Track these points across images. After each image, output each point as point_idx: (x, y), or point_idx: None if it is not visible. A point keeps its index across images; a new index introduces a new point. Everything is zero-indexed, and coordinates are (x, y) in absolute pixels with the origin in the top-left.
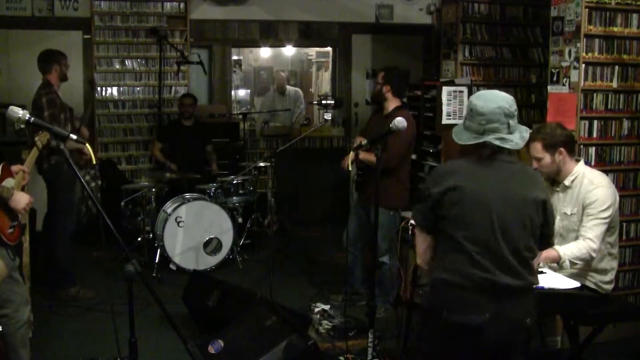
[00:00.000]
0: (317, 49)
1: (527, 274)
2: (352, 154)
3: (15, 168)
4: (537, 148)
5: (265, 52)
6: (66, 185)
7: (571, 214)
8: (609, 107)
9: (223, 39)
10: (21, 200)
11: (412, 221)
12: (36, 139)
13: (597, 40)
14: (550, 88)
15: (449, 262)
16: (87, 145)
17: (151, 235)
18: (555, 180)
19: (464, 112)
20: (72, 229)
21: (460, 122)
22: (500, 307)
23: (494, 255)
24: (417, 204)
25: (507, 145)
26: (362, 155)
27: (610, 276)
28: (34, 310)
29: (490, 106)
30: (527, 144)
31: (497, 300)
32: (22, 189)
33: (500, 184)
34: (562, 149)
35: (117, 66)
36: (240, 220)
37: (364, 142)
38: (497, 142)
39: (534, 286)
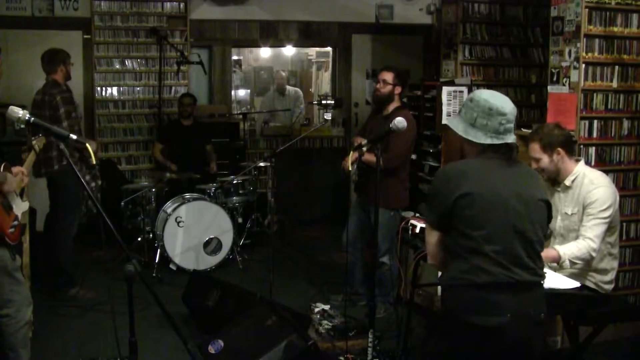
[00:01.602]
0: (317, 49)
1: (538, 270)
2: (352, 155)
3: (15, 170)
4: (535, 149)
5: (265, 52)
6: (75, 186)
7: (572, 213)
8: (609, 107)
9: (223, 39)
10: (13, 181)
11: (412, 221)
12: (34, 142)
13: (597, 40)
14: (550, 88)
15: (469, 263)
16: (88, 145)
17: (151, 235)
18: (555, 180)
19: (474, 110)
20: (75, 230)
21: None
22: (519, 305)
23: (510, 253)
24: (430, 203)
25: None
26: (366, 157)
27: (610, 276)
28: (34, 310)
29: (509, 106)
30: (527, 145)
31: (516, 298)
32: (22, 191)
33: (515, 183)
34: (559, 149)
35: (117, 66)
36: (240, 220)
37: (364, 142)
38: (516, 142)
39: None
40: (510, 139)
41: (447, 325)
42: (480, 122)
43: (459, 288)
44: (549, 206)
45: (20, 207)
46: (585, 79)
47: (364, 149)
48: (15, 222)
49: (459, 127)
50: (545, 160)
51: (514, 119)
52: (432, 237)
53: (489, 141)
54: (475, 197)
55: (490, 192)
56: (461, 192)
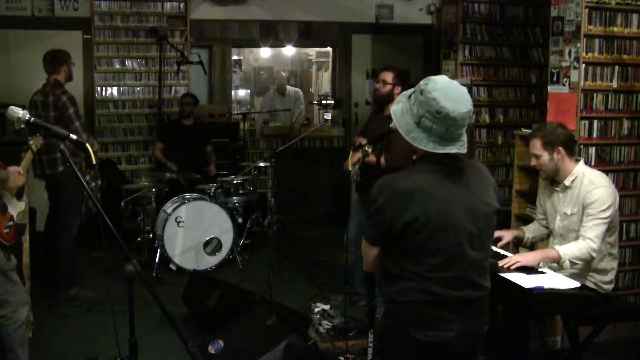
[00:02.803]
0: (317, 49)
1: (485, 283)
2: (352, 155)
3: (11, 169)
4: (537, 145)
5: (265, 52)
6: (76, 187)
7: (571, 214)
8: (609, 107)
9: (223, 39)
10: (18, 178)
11: None
12: (30, 142)
13: (597, 40)
14: (550, 88)
15: (417, 284)
16: (87, 145)
17: (151, 235)
18: (555, 180)
19: (422, 107)
20: (76, 230)
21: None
22: (465, 320)
23: (461, 278)
24: (372, 218)
25: (463, 150)
26: (370, 158)
27: (610, 276)
28: (34, 310)
29: (461, 110)
30: (527, 141)
31: (463, 314)
32: (20, 191)
33: (466, 199)
34: (560, 148)
35: (117, 66)
36: (240, 220)
37: (364, 142)
38: (462, 149)
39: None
40: (454, 148)
41: (393, 341)
42: (425, 123)
43: (407, 304)
44: (498, 213)
45: (16, 207)
46: (585, 79)
47: (368, 149)
48: (11, 223)
49: (402, 121)
50: (545, 157)
51: (465, 122)
52: (372, 252)
53: (429, 148)
54: (425, 223)
55: (442, 216)
56: (410, 218)
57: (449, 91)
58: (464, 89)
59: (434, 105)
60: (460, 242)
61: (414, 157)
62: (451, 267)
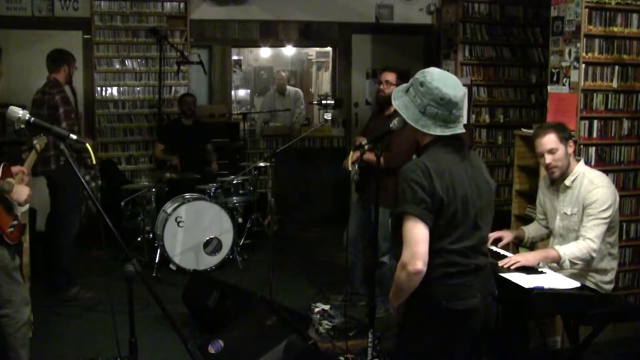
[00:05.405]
0: (317, 49)
1: (487, 252)
2: (352, 154)
3: (15, 169)
4: (553, 139)
5: (265, 52)
6: (74, 186)
7: (571, 214)
8: (609, 107)
9: (223, 39)
10: (23, 192)
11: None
12: (35, 142)
13: (597, 40)
14: (550, 88)
15: (443, 258)
16: (88, 145)
17: (151, 235)
18: (554, 180)
19: (425, 97)
20: (76, 230)
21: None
22: (483, 285)
23: (475, 247)
24: (413, 196)
25: (463, 129)
26: (367, 156)
27: (610, 276)
28: (34, 310)
29: (460, 94)
30: (535, 140)
31: (480, 280)
32: None
33: (473, 177)
34: (571, 141)
35: (117, 66)
36: (240, 220)
37: (364, 142)
38: (462, 129)
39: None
40: (459, 129)
41: (425, 317)
42: (431, 110)
43: (437, 280)
44: (496, 190)
45: (20, 207)
46: (585, 79)
47: (366, 147)
48: (15, 222)
49: (408, 113)
50: (561, 151)
51: (463, 105)
52: (422, 233)
53: (438, 132)
54: (454, 197)
55: (463, 190)
56: (443, 194)
57: (446, 79)
58: (454, 76)
59: (437, 94)
60: (476, 214)
61: (422, 144)
62: (470, 237)
